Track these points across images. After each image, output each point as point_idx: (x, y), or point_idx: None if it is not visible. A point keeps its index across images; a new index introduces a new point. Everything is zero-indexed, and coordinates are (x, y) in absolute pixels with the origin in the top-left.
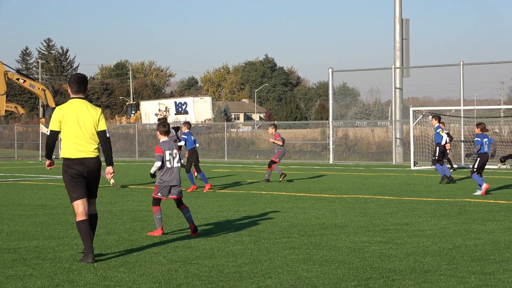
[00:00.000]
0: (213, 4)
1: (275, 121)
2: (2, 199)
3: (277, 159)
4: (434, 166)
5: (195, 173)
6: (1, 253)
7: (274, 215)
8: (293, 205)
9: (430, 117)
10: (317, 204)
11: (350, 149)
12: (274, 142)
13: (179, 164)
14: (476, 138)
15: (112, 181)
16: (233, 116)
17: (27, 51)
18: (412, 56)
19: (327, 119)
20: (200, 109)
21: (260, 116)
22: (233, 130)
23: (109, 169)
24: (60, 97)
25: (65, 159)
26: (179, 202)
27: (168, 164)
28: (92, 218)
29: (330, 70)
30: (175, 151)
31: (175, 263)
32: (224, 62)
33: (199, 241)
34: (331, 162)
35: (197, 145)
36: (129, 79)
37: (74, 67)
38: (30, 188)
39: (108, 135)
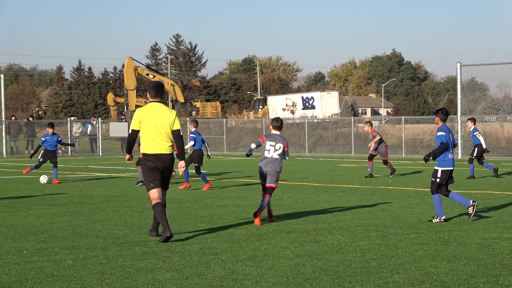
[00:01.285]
0: (340, 0)
1: (403, 116)
2: (133, 193)
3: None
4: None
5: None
6: (132, 246)
7: (401, 210)
8: (421, 201)
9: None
10: (445, 200)
11: None
12: (373, 142)
13: (278, 157)
14: None
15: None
16: (360, 111)
17: (157, 47)
18: None
19: (455, 114)
20: (327, 104)
21: (387, 111)
22: (360, 125)
23: (181, 163)
24: (189, 92)
25: (144, 154)
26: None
27: (266, 154)
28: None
29: (459, 64)
30: (279, 144)
31: (302, 257)
32: (351, 56)
33: (326, 236)
34: (460, 157)
35: (206, 144)
36: (257, 74)
37: (202, 62)
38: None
39: (181, 133)
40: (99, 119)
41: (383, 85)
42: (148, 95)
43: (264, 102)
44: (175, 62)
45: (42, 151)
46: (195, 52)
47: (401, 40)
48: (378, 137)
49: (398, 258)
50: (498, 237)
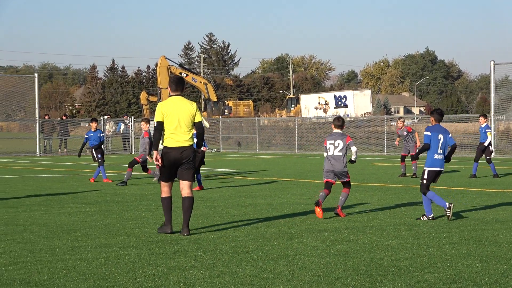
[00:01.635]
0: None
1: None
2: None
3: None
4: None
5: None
6: (163, 245)
7: (433, 209)
8: (453, 200)
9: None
10: (478, 199)
11: None
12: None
13: (340, 153)
14: None
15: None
16: (392, 110)
17: (190, 46)
18: None
19: (489, 112)
20: (359, 103)
21: (420, 110)
22: (393, 123)
23: (199, 150)
24: (222, 91)
25: (165, 147)
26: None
27: (328, 153)
28: (186, 200)
29: (492, 62)
30: (338, 141)
31: (333, 256)
32: (384, 55)
33: (357, 235)
34: (493, 156)
35: (206, 148)
36: (289, 73)
37: (235, 61)
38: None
39: (203, 125)
40: (132, 117)
41: (416, 83)
42: (169, 90)
43: (297, 100)
44: (208, 61)
45: (93, 150)
46: (228, 51)
47: (434, 38)
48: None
49: (430, 257)
50: None
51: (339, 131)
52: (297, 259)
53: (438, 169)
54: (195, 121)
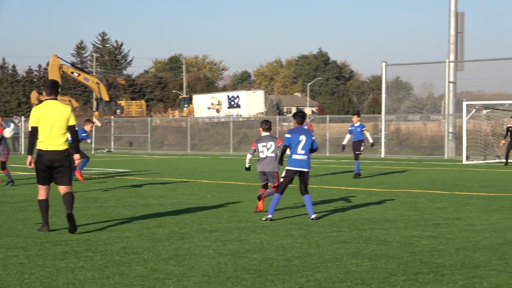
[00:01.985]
0: None
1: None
2: (55, 192)
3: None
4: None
5: None
6: (52, 245)
7: (324, 208)
8: (343, 199)
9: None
10: (368, 198)
11: (402, 143)
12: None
13: (273, 154)
14: None
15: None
16: (285, 110)
17: (82, 45)
18: (466, 50)
19: (380, 113)
20: (252, 103)
21: (312, 110)
22: (285, 123)
23: (76, 156)
24: (114, 91)
25: (39, 151)
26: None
27: (261, 155)
28: (66, 194)
29: (384, 64)
30: (270, 143)
31: (224, 256)
32: (277, 55)
33: (248, 235)
34: (382, 156)
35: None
36: (183, 73)
37: (128, 60)
38: (83, 181)
39: (76, 128)
40: (22, 117)
41: (309, 84)
42: (44, 93)
43: (190, 100)
44: (101, 60)
45: None
46: (121, 51)
47: (327, 39)
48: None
49: (320, 257)
50: (419, 235)
51: (267, 133)
52: (188, 259)
53: (297, 169)
54: (69, 124)
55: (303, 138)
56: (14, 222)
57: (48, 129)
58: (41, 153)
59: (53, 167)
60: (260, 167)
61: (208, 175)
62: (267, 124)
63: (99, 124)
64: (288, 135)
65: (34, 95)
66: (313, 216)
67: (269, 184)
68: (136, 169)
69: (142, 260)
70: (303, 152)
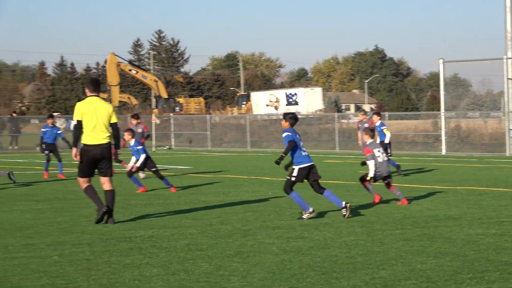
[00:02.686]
0: None
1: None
2: (118, 189)
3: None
4: None
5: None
6: (118, 242)
7: (386, 206)
8: (406, 197)
9: None
10: (430, 196)
11: (463, 140)
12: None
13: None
14: None
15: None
16: (343, 107)
17: (139, 43)
18: None
19: (439, 110)
20: (310, 100)
21: (371, 107)
22: (344, 121)
23: (117, 151)
24: (172, 88)
25: (84, 145)
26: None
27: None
28: (108, 192)
29: (441, 60)
30: (378, 149)
31: (288, 253)
32: (333, 52)
33: (312, 232)
34: (443, 154)
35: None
36: (240, 70)
37: (185, 58)
38: (146, 178)
39: (118, 125)
40: None
41: (366, 81)
42: (86, 90)
43: (248, 98)
44: (158, 58)
45: (43, 145)
46: (178, 48)
47: (383, 36)
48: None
49: (384, 254)
50: (483, 233)
51: (371, 140)
52: (252, 256)
53: (310, 164)
54: (111, 122)
55: (298, 136)
56: (78, 219)
57: (93, 124)
58: (87, 147)
59: (98, 160)
60: (381, 171)
61: (269, 172)
62: (372, 132)
63: (158, 121)
64: (288, 133)
65: None
66: (344, 203)
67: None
68: (197, 166)
69: (207, 256)
70: (304, 148)
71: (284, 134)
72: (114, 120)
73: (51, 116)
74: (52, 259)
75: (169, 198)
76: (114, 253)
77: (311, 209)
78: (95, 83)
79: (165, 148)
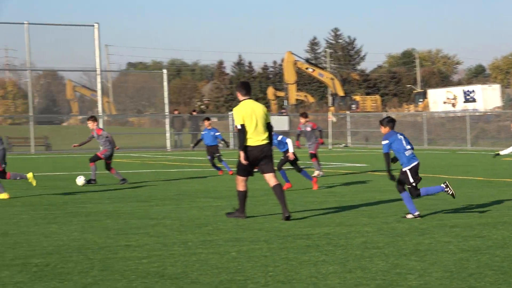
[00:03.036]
0: None
1: None
2: (294, 186)
3: None
4: None
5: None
6: (294, 239)
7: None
8: None
9: None
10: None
11: None
12: None
13: None
14: None
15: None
16: None
17: (315, 41)
18: None
19: None
20: (488, 97)
21: None
22: None
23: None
24: (348, 86)
25: (248, 146)
26: None
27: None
28: (276, 187)
29: None
30: None
31: (466, 252)
32: None
33: (490, 231)
34: None
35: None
36: (416, 67)
37: (361, 55)
38: (325, 176)
39: (272, 125)
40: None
41: None
42: (238, 94)
43: (424, 95)
44: (334, 56)
45: (196, 146)
46: (354, 46)
47: None
48: None
49: None
50: None
51: None
52: (429, 254)
53: (416, 163)
54: (267, 122)
55: (401, 136)
56: (256, 216)
57: (253, 126)
58: (250, 148)
59: (260, 159)
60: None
61: (446, 170)
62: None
63: (334, 119)
64: (386, 142)
65: (270, 91)
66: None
67: None
68: (374, 164)
69: (383, 254)
70: (408, 147)
71: (383, 143)
72: (268, 120)
73: (208, 119)
74: (231, 255)
75: (344, 196)
76: (291, 250)
77: (417, 213)
78: (247, 86)
79: (341, 145)
